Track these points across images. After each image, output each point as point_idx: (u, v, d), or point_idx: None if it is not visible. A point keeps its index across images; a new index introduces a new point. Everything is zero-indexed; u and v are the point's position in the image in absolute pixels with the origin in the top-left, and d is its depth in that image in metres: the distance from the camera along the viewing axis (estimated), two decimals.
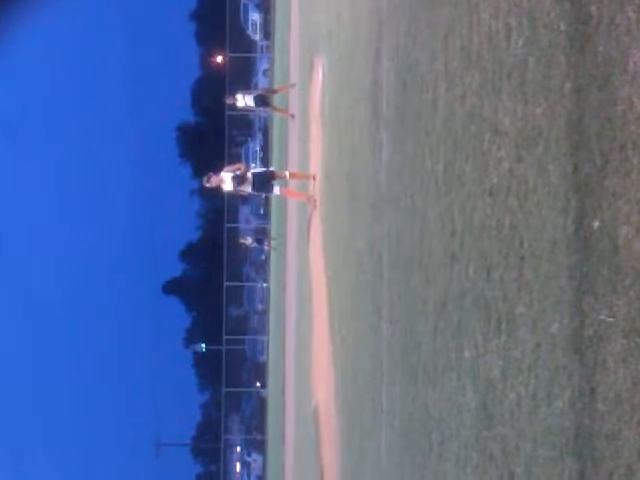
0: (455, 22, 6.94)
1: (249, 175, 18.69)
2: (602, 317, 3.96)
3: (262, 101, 28.63)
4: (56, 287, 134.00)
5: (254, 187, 18.81)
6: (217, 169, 19.15)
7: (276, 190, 20.09)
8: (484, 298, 5.86)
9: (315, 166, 20.39)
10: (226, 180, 18.36)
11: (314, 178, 19.51)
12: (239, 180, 18.36)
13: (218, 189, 19.02)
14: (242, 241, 51.45)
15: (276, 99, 31.08)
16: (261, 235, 54.06)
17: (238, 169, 18.70)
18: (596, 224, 4.09)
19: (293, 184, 22.36)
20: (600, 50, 4.11)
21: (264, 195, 22.08)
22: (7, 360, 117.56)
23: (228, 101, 28.94)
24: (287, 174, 21.37)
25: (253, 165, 19.77)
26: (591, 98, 4.18)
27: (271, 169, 20.98)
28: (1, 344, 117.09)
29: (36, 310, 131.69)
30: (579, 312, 4.22)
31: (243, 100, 28.09)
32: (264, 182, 19.14)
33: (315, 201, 19.21)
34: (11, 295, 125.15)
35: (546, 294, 4.66)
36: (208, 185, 18.81)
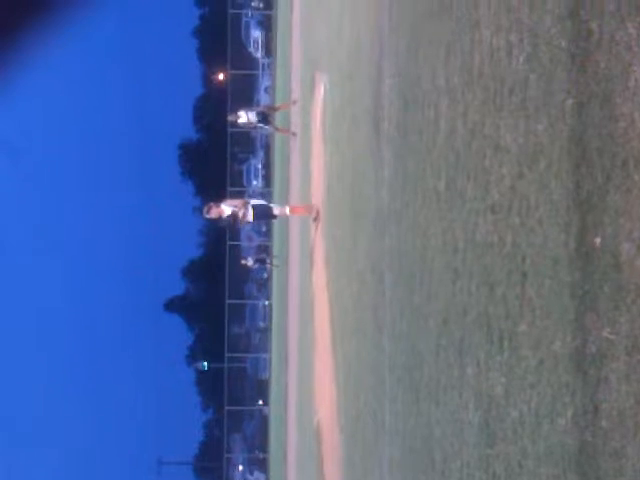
0: (456, 39, 6.95)
1: (249, 208, 18.54)
2: (604, 334, 3.95)
3: (264, 118, 28.66)
4: (58, 304, 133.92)
5: (255, 218, 18.75)
6: (218, 199, 18.98)
7: (276, 210, 19.94)
8: (486, 315, 5.84)
9: (317, 184, 20.38)
10: (226, 212, 18.26)
11: (316, 217, 19.39)
12: (234, 218, 18.30)
13: (218, 220, 18.87)
14: (243, 262, 51.39)
15: (277, 117, 31.11)
16: (262, 255, 53.99)
17: (237, 205, 18.55)
18: (598, 241, 4.08)
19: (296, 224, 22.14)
20: (601, 67, 4.11)
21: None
22: (9, 374, 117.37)
23: (231, 118, 28.95)
24: (287, 211, 21.20)
25: (253, 201, 19.48)
26: (592, 114, 4.18)
27: (271, 205, 20.82)
28: (4, 358, 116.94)
29: (38, 328, 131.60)
30: (581, 329, 4.21)
31: (246, 116, 28.14)
32: (264, 216, 19.09)
33: (318, 213, 19.14)
34: (14, 311, 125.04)
35: (548, 311, 4.65)
36: (208, 216, 18.65)
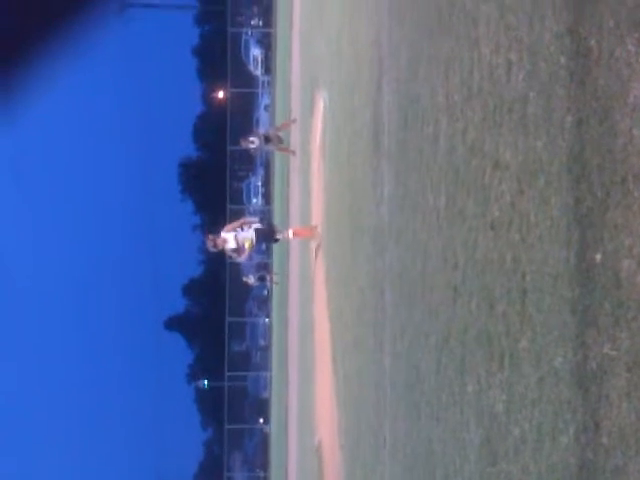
0: (456, 57, 6.96)
1: (252, 230, 18.45)
2: (605, 351, 3.95)
3: (265, 140, 28.82)
4: (58, 322, 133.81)
5: (257, 241, 18.61)
6: (217, 230, 18.79)
7: (279, 235, 19.80)
8: (487, 332, 5.84)
9: (317, 201, 20.41)
10: (229, 240, 18.16)
11: (317, 248, 19.35)
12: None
13: (222, 251, 18.73)
14: (245, 280, 51.37)
15: (282, 135, 31.21)
16: (263, 272, 53.95)
17: (239, 225, 18.46)
18: (598, 257, 4.08)
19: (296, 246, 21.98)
20: (600, 83, 4.11)
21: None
22: (10, 394, 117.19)
23: (244, 144, 29.04)
24: (290, 234, 21.01)
25: (255, 225, 19.15)
26: (592, 131, 4.19)
27: (274, 227, 20.71)
28: (4, 373, 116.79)
29: (37, 344, 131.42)
30: (582, 346, 4.20)
31: (258, 141, 28.38)
32: (267, 239, 18.97)
33: (320, 237, 19.09)
34: (15, 327, 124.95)
35: (549, 328, 4.65)
36: (213, 249, 18.53)
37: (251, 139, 28.60)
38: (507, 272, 5.43)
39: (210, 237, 18.38)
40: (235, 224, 18.68)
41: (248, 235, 18.25)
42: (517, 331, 5.20)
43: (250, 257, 19.60)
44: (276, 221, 48.74)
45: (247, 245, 18.88)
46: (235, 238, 18.12)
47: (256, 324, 71.04)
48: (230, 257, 19.36)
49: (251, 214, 67.83)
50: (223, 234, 18.19)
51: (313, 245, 20.08)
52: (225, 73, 63.04)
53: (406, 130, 9.27)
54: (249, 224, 18.63)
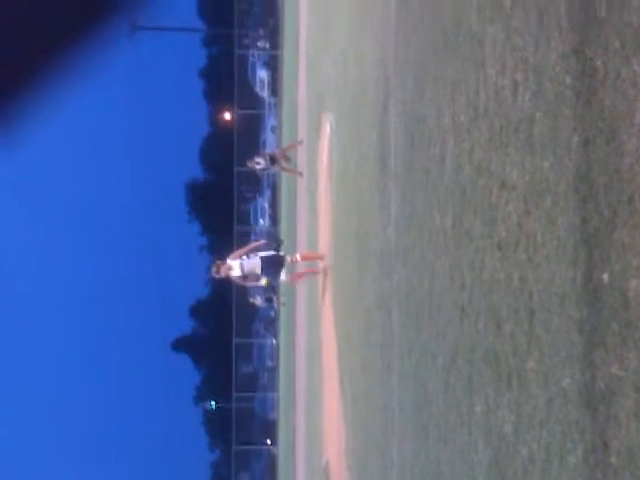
0: (462, 78, 6.98)
1: (257, 258, 18.32)
2: (613, 371, 3.94)
3: (271, 160, 28.89)
4: (67, 344, 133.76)
5: (263, 271, 18.46)
6: (223, 257, 18.66)
7: (283, 275, 19.57)
8: (494, 353, 5.83)
9: (324, 222, 20.42)
10: (234, 267, 18.07)
11: (325, 271, 19.27)
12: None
13: (227, 278, 18.54)
14: (252, 301, 51.37)
15: (289, 155, 31.29)
16: (270, 293, 53.95)
17: (246, 252, 18.35)
18: (606, 277, 4.08)
19: (303, 265, 21.68)
20: (606, 104, 4.12)
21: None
22: (17, 415, 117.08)
23: (250, 165, 29.11)
24: (298, 257, 20.60)
25: (261, 253, 18.92)
26: (598, 151, 4.19)
27: (281, 254, 20.47)
28: (9, 398, 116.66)
29: (45, 367, 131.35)
30: (590, 366, 4.19)
31: (264, 162, 28.44)
32: (273, 265, 18.74)
33: (327, 272, 18.99)
34: (19, 351, 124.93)
35: (556, 348, 4.64)
36: (217, 276, 18.41)
37: (257, 160, 28.70)
38: (514, 292, 5.42)
39: (217, 263, 18.31)
40: (242, 251, 18.57)
41: (254, 263, 18.15)
42: (524, 351, 5.19)
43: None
44: (283, 245, 48.77)
45: (264, 283, 18.89)
46: (241, 266, 18.02)
47: (263, 345, 70.96)
48: (237, 283, 19.23)
49: (257, 235, 68.01)
50: (229, 261, 18.10)
51: (320, 267, 20.02)
52: (232, 95, 63.23)
53: (413, 151, 9.29)
54: (255, 251, 18.51)
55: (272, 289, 55.15)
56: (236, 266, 17.97)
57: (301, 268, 20.95)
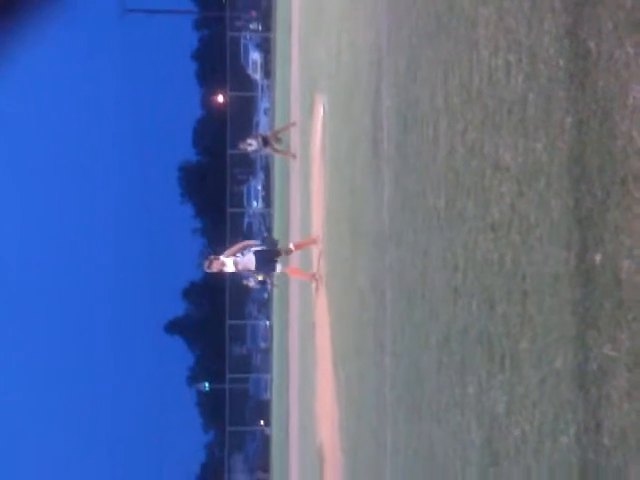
0: (455, 59, 6.98)
1: (251, 254, 18.18)
2: (606, 351, 3.96)
3: (264, 142, 28.85)
4: (59, 328, 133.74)
5: (257, 267, 18.36)
6: (217, 252, 18.48)
7: (278, 268, 19.42)
8: (487, 333, 5.85)
9: (317, 204, 20.40)
10: (228, 264, 17.95)
11: (319, 257, 19.15)
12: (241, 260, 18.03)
13: (220, 272, 18.44)
14: (245, 282, 51.38)
15: (281, 137, 31.23)
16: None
17: (236, 253, 18.18)
18: (598, 258, 4.10)
19: (297, 257, 21.39)
20: (600, 85, 4.13)
21: (267, 278, 20.80)
22: (9, 407, 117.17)
23: (242, 146, 29.07)
24: (292, 246, 20.26)
25: (254, 247, 18.59)
26: (591, 133, 4.20)
27: (275, 247, 20.25)
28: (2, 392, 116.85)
29: (37, 351, 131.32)
30: (583, 347, 4.21)
31: (256, 144, 28.38)
32: (267, 260, 18.58)
33: (320, 278, 18.89)
34: (12, 336, 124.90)
35: (549, 329, 4.66)
36: (209, 270, 18.26)
37: (249, 141, 28.64)
38: (507, 273, 5.44)
39: (210, 258, 18.18)
40: (235, 248, 18.43)
41: (248, 260, 18.04)
42: (518, 332, 5.21)
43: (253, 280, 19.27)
44: (276, 226, 48.80)
45: (259, 278, 18.77)
46: (234, 263, 17.92)
47: (257, 327, 71.08)
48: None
49: (250, 217, 67.95)
50: (222, 258, 17.97)
51: (315, 251, 19.95)
52: (224, 77, 63.05)
53: (406, 133, 9.28)
54: (248, 247, 18.38)
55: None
56: (230, 263, 17.86)
57: (295, 259, 20.75)
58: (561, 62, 4.62)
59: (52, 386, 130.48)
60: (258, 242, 20.21)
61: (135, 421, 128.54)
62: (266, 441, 59.93)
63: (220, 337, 63.94)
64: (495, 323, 5.68)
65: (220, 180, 64.21)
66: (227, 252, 18.15)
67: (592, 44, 4.22)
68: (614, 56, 3.98)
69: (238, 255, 18.02)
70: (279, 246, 19.60)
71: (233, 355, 64.29)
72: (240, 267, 17.92)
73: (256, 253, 18.19)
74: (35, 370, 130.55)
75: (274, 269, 19.08)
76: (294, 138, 31.13)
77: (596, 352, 4.06)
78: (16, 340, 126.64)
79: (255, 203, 70.25)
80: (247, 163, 68.81)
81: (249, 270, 18.22)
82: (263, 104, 68.00)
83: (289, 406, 34.61)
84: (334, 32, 17.41)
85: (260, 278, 19.06)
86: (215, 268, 17.92)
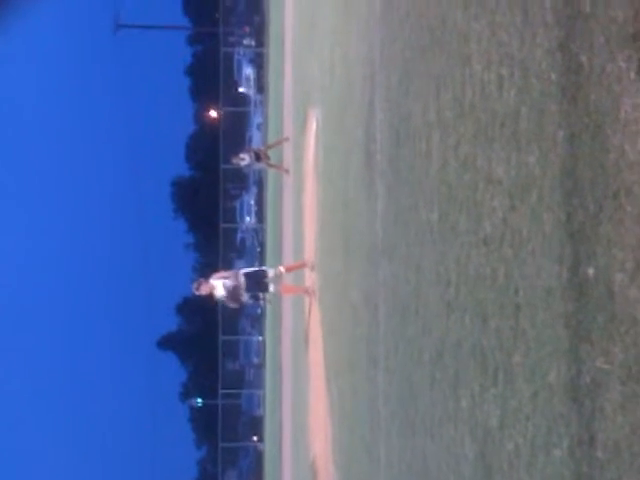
0: (447, 73, 7.00)
1: (241, 278, 18.08)
2: (599, 364, 3.96)
3: (256, 157, 28.93)
4: (51, 342, 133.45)
5: (248, 289, 18.27)
6: (207, 275, 18.36)
7: (271, 288, 19.32)
8: (480, 347, 5.85)
9: (310, 219, 20.41)
10: (217, 287, 17.84)
11: (312, 268, 19.08)
12: (231, 293, 17.91)
13: (209, 296, 18.22)
14: (241, 298, 51.43)
15: (270, 154, 31.32)
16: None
17: (226, 277, 18.05)
18: (591, 271, 4.10)
19: (290, 277, 21.31)
20: (592, 99, 4.14)
21: (259, 299, 20.65)
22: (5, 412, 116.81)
23: (235, 161, 29.16)
24: (282, 269, 20.05)
25: (243, 269, 18.52)
26: (584, 146, 4.21)
27: (264, 268, 20.15)
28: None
29: (30, 363, 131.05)
30: (576, 360, 4.21)
31: (248, 158, 28.46)
32: (258, 282, 18.50)
33: (314, 292, 18.83)
34: (3, 348, 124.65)
35: (542, 342, 4.66)
36: (198, 293, 18.11)
37: (241, 156, 28.71)
38: (500, 287, 5.44)
39: (199, 280, 18.09)
40: (225, 274, 18.41)
41: (238, 283, 17.96)
42: (510, 346, 5.21)
43: (240, 304, 19.03)
44: (269, 241, 48.77)
45: (250, 301, 18.79)
46: (224, 286, 17.84)
47: (250, 342, 71.00)
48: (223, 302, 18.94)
49: (243, 232, 67.87)
50: (212, 281, 17.90)
51: (308, 266, 19.91)
52: (217, 92, 63.20)
53: (398, 147, 9.30)
54: (236, 275, 18.28)
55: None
56: (219, 286, 17.77)
57: (288, 280, 20.64)
58: (553, 76, 4.63)
59: (44, 400, 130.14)
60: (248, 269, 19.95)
61: (128, 436, 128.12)
62: (259, 457, 59.81)
63: (213, 353, 63.90)
64: (488, 337, 5.68)
65: (213, 195, 64.29)
66: (216, 275, 18.11)
67: (584, 58, 4.23)
68: (606, 70, 3.99)
69: (228, 277, 17.96)
70: (267, 267, 19.58)
71: (226, 371, 64.23)
72: (230, 289, 17.81)
73: (246, 274, 18.17)
74: (26, 383, 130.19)
75: (266, 290, 19.02)
76: (287, 153, 31.18)
77: (589, 365, 4.06)
78: (8, 352, 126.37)
79: (248, 218, 70.28)
80: (240, 178, 68.89)
81: (239, 292, 18.11)
82: (256, 119, 68.14)
83: (282, 421, 34.55)
84: (327, 46, 17.45)
85: (250, 301, 19.00)
86: (204, 291, 17.83)
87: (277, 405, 37.79)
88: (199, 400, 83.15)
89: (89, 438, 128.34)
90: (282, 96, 37.91)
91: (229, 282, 17.79)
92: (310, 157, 21.01)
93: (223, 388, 61.05)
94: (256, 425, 61.80)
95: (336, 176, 15.18)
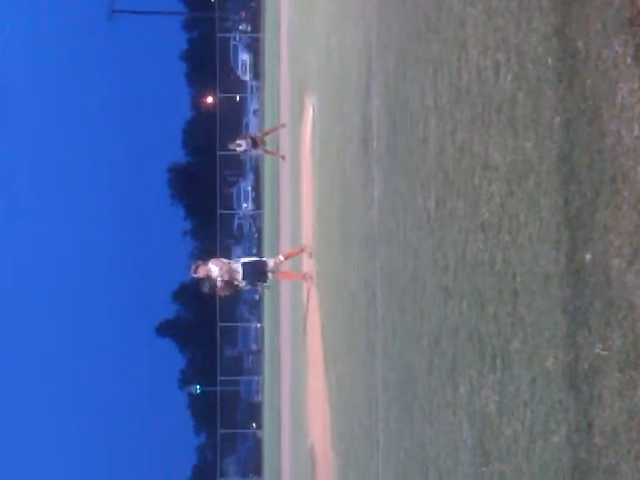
0: (444, 59, 6.98)
1: (238, 266, 18.05)
2: (597, 350, 3.95)
3: (253, 143, 28.92)
4: (49, 330, 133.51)
5: (245, 278, 18.24)
6: (205, 258, 18.35)
7: (270, 276, 19.24)
8: (478, 333, 5.84)
9: (307, 205, 20.39)
10: (214, 270, 17.80)
11: (310, 255, 19.03)
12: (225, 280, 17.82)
13: (207, 279, 18.01)
14: (236, 284, 51.43)
15: (267, 140, 31.28)
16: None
17: (223, 267, 17.93)
18: (588, 257, 4.09)
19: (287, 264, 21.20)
20: (588, 84, 4.13)
21: (258, 285, 20.53)
22: (5, 404, 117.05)
23: (232, 147, 29.16)
24: (281, 258, 19.79)
25: (242, 259, 18.30)
26: (580, 131, 4.20)
27: (264, 259, 20.04)
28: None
29: (28, 351, 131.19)
30: (574, 346, 4.21)
31: (246, 144, 28.46)
32: (257, 272, 18.45)
33: (311, 278, 18.80)
34: (5, 337, 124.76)
35: (540, 328, 4.65)
36: (195, 275, 18.09)
37: (238, 142, 28.72)
38: (498, 273, 5.43)
39: (197, 263, 18.06)
40: (225, 261, 18.36)
41: (236, 269, 17.93)
42: (508, 332, 5.21)
43: (232, 292, 18.91)
44: (266, 227, 48.74)
45: (246, 287, 18.76)
46: (220, 268, 17.79)
47: (248, 329, 71.04)
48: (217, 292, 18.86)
49: (240, 218, 67.84)
50: (210, 264, 17.86)
51: (305, 252, 19.87)
52: (214, 78, 63.03)
53: (395, 132, 9.28)
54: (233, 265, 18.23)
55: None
56: (216, 271, 17.74)
57: (286, 262, 20.59)
58: (550, 61, 4.61)
59: (42, 388, 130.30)
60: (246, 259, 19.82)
61: (127, 424, 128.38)
62: (258, 443, 59.90)
63: (211, 339, 63.88)
64: (486, 323, 5.68)
65: (210, 181, 64.19)
66: (215, 260, 18.08)
67: (580, 43, 4.22)
68: (602, 55, 3.98)
69: (226, 264, 17.93)
70: (266, 258, 19.52)
71: (224, 357, 64.26)
72: (225, 273, 17.77)
73: (244, 264, 18.13)
74: (25, 372, 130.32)
75: (265, 280, 18.99)
76: (284, 139, 31.14)
77: (587, 351, 4.06)
78: (6, 342, 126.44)
79: (245, 205, 70.25)
80: (237, 164, 68.83)
81: (235, 278, 18.07)
82: (253, 105, 68.02)
83: (281, 408, 34.60)
84: (323, 32, 17.41)
85: (246, 287, 18.98)
86: (201, 273, 17.81)
87: (276, 391, 37.84)
88: (198, 387, 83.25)
89: (88, 425, 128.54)
90: (278, 82, 37.84)
91: (225, 269, 17.76)
92: (307, 143, 20.99)
93: (222, 375, 61.06)
94: (255, 412, 61.89)
95: (333, 162, 15.16)
